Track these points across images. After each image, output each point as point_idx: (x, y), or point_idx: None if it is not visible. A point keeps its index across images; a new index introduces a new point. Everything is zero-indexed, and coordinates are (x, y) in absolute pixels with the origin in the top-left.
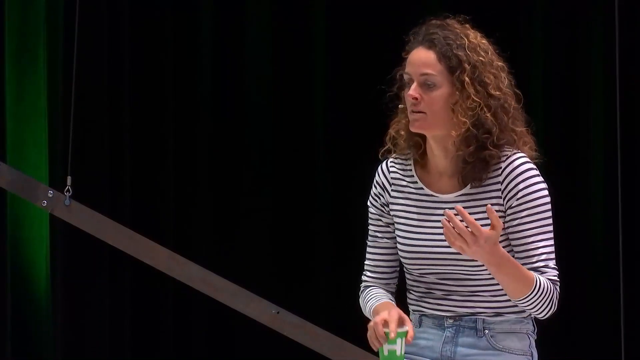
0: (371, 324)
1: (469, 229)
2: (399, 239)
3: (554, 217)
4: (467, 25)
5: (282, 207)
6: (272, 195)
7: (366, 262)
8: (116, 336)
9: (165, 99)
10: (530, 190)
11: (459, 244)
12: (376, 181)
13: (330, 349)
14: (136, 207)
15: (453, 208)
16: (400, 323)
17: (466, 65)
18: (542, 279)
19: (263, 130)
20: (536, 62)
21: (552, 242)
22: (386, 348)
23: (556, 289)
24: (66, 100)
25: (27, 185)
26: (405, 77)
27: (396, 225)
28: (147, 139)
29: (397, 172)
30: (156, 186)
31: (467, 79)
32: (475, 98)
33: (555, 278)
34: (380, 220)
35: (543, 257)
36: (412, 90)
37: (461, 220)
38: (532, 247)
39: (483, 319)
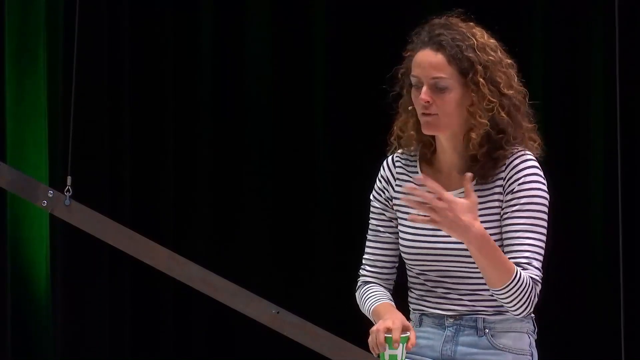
0: (373, 329)
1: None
2: (401, 234)
3: (551, 217)
4: (471, 24)
5: (282, 207)
6: (272, 195)
7: (365, 256)
8: (116, 336)
9: (165, 99)
10: (526, 187)
11: (430, 214)
12: (381, 175)
13: (330, 349)
14: (136, 207)
15: None
16: (403, 329)
17: (478, 67)
18: (524, 273)
19: (263, 130)
20: (536, 62)
21: (540, 243)
22: (387, 353)
23: (535, 288)
24: (66, 100)
25: (27, 185)
26: (413, 79)
27: (399, 221)
28: (147, 139)
29: (402, 167)
30: (156, 186)
31: (481, 79)
32: (491, 98)
33: (537, 278)
34: (384, 214)
35: (527, 254)
36: (424, 94)
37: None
38: (517, 242)
39: (483, 318)
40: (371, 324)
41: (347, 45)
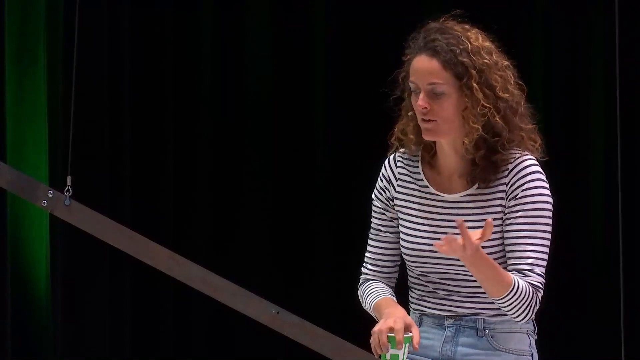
0: (375, 329)
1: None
2: (402, 236)
3: (554, 219)
4: (467, 26)
5: (282, 207)
6: (272, 195)
7: (367, 254)
8: (116, 336)
9: (165, 99)
10: (530, 193)
11: (445, 249)
12: (382, 174)
13: (330, 349)
14: (136, 207)
15: (457, 208)
16: (406, 328)
17: (472, 71)
18: (522, 282)
19: (263, 130)
20: (536, 62)
21: (544, 249)
22: (389, 353)
23: (537, 295)
24: (66, 100)
25: (27, 185)
26: (412, 85)
27: (400, 222)
28: (147, 139)
29: (404, 168)
30: (156, 186)
31: (475, 84)
32: (485, 103)
33: (538, 284)
34: (385, 214)
35: (530, 260)
36: (421, 101)
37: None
38: (520, 248)
39: (483, 319)
40: (372, 324)
41: (347, 45)
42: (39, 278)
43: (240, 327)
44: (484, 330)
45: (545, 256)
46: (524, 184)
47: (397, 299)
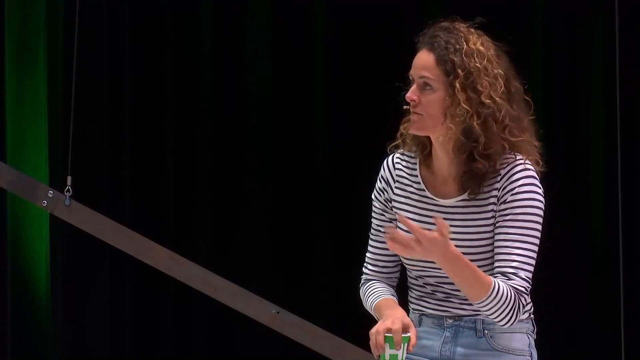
0: (373, 331)
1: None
2: None
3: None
4: (474, 30)
5: (282, 207)
6: (272, 195)
7: (368, 255)
8: (116, 336)
9: (165, 99)
10: (519, 197)
11: (407, 252)
12: (381, 175)
13: (330, 349)
14: (136, 207)
15: (452, 213)
16: (404, 329)
17: (459, 71)
18: (503, 285)
19: (263, 130)
20: (536, 62)
21: (531, 254)
22: (387, 353)
23: (520, 299)
24: (66, 100)
25: (27, 185)
26: (410, 78)
27: (397, 224)
28: (147, 139)
29: (402, 170)
30: (156, 186)
31: (458, 84)
32: (464, 105)
33: (522, 289)
34: (384, 215)
35: (514, 264)
36: (410, 93)
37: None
38: (506, 251)
39: (483, 319)
40: (372, 323)
41: (347, 45)
42: (39, 278)
43: (240, 327)
44: (483, 330)
45: (532, 261)
46: (514, 188)
47: (398, 299)
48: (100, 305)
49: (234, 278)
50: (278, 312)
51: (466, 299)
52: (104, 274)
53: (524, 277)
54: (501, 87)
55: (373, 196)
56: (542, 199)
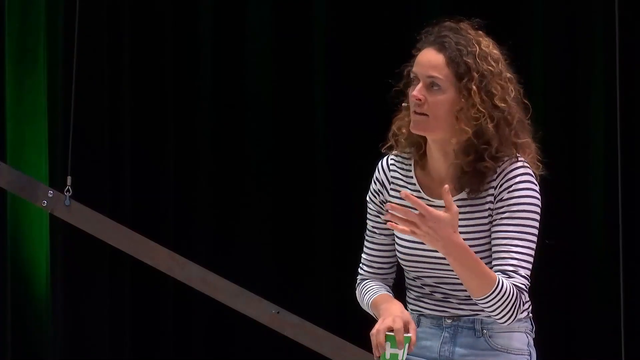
0: (373, 331)
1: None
2: (396, 240)
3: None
4: (481, 32)
5: (282, 207)
6: (272, 195)
7: (363, 255)
8: (116, 336)
9: (165, 99)
10: (516, 195)
11: (410, 228)
12: (376, 177)
13: (330, 349)
14: (136, 207)
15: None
16: (405, 328)
17: (474, 74)
18: (506, 282)
19: (263, 130)
20: (536, 62)
21: (529, 251)
22: (389, 352)
23: (521, 296)
24: (66, 100)
25: (27, 185)
26: (412, 75)
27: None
28: (147, 139)
29: (397, 172)
30: (156, 186)
31: (474, 87)
32: (480, 107)
33: (522, 286)
34: (379, 216)
35: (514, 262)
36: (417, 91)
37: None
38: (505, 249)
39: (481, 319)
40: (372, 323)
41: (347, 46)
42: (39, 278)
43: (240, 327)
44: (482, 330)
45: (531, 259)
46: (511, 186)
47: (393, 295)
48: (100, 305)
49: (234, 278)
50: (278, 312)
51: (465, 299)
52: (104, 274)
53: (523, 274)
54: (512, 91)
55: (368, 198)
56: (539, 197)
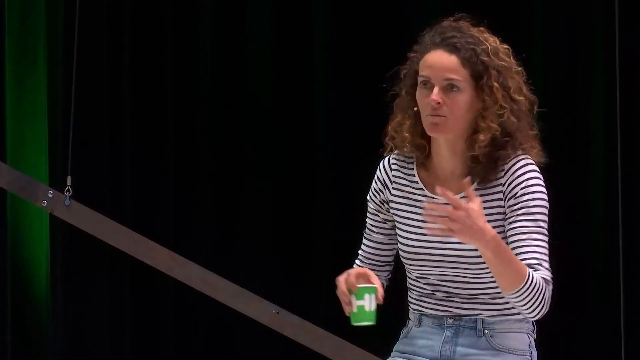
0: (338, 291)
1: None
2: (399, 239)
3: (551, 219)
4: (482, 28)
5: (282, 207)
6: (272, 195)
7: (360, 252)
8: (116, 336)
9: (165, 99)
10: (530, 190)
11: (447, 225)
12: (377, 177)
13: (330, 349)
14: (136, 207)
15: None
16: (367, 281)
17: (492, 71)
18: (536, 274)
19: (263, 130)
20: (536, 62)
21: (546, 245)
22: (355, 304)
23: (549, 289)
24: (66, 100)
25: (27, 185)
26: (421, 79)
27: (396, 224)
28: (147, 139)
29: (399, 171)
30: (156, 186)
31: (495, 83)
32: (503, 103)
33: (548, 278)
34: (378, 215)
35: (537, 255)
36: (435, 95)
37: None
38: (526, 243)
39: (483, 319)
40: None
41: (347, 45)
42: (39, 278)
43: (240, 327)
44: (484, 330)
45: (548, 252)
46: (522, 182)
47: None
48: (100, 305)
49: (234, 278)
50: (278, 312)
51: (468, 298)
52: (104, 274)
53: (547, 267)
54: (523, 83)
55: (368, 197)
56: (546, 191)
